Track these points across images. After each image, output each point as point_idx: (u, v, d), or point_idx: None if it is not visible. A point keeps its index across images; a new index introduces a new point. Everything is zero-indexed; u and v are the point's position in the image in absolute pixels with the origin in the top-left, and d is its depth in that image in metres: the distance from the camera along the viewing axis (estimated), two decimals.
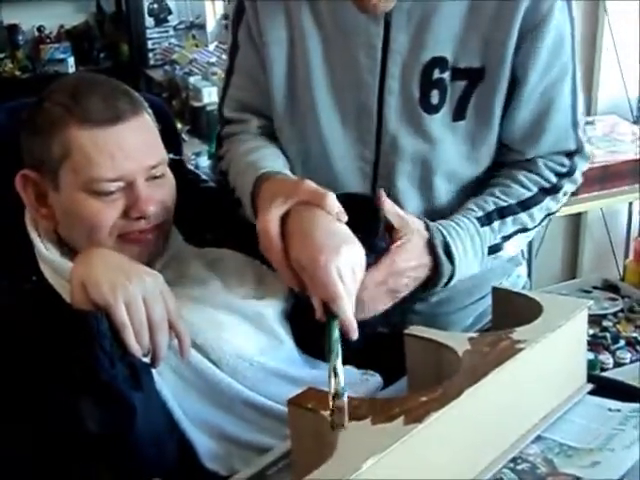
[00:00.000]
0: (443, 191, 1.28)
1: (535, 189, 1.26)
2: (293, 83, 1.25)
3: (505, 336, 1.00)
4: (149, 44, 4.28)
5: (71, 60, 4.20)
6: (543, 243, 2.77)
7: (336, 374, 0.87)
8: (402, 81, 1.20)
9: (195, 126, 3.55)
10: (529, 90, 1.20)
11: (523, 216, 1.26)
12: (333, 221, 1.03)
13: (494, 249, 1.25)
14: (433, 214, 1.26)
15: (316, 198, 1.04)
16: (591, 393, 1.10)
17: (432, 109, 1.21)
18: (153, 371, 0.99)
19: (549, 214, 1.30)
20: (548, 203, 1.28)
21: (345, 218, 1.04)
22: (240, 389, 1.06)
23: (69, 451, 0.92)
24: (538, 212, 1.27)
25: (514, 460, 0.95)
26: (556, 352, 1.04)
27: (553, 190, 1.28)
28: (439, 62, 1.19)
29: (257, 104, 1.29)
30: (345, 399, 0.85)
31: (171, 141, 1.20)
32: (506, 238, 1.26)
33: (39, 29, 4.19)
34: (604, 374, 2.42)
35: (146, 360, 0.97)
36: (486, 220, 1.23)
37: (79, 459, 0.92)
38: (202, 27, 4.35)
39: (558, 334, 1.03)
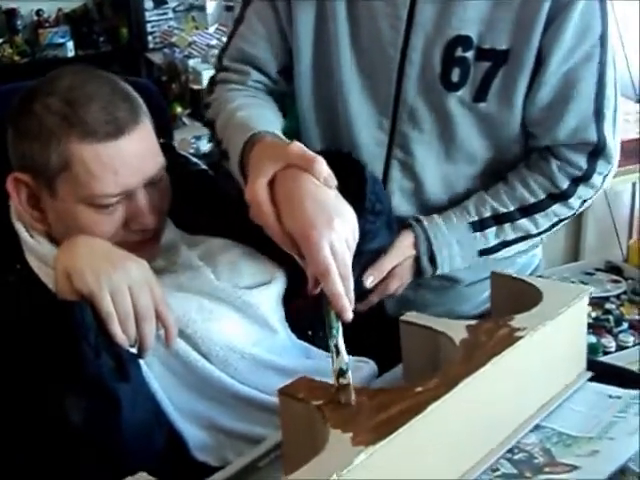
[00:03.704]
0: (463, 169, 1.28)
1: (542, 195, 1.25)
2: (319, 48, 1.25)
3: (503, 323, 0.98)
4: (148, 27, 4.24)
5: (70, 44, 4.17)
6: None
7: (338, 351, 0.88)
8: (424, 55, 1.19)
9: (195, 109, 3.53)
10: (551, 71, 1.18)
11: (524, 222, 1.25)
12: (322, 188, 0.97)
13: (490, 251, 1.26)
14: (454, 188, 1.28)
15: (304, 162, 0.97)
16: (592, 379, 1.08)
17: (452, 86, 1.20)
18: (141, 362, 0.97)
19: (561, 220, 1.28)
20: (557, 209, 1.26)
21: (334, 183, 0.98)
22: (230, 382, 1.04)
23: (55, 444, 0.90)
24: (543, 219, 1.26)
25: (511, 450, 0.93)
26: (556, 339, 1.02)
27: (563, 196, 1.25)
28: (463, 41, 1.17)
29: (259, 58, 1.28)
30: (350, 375, 0.86)
31: (162, 125, 1.18)
32: (506, 244, 1.27)
33: (38, 13, 4.16)
34: (606, 358, 2.40)
35: (133, 351, 0.95)
36: (479, 227, 1.25)
37: (65, 451, 0.91)
38: (202, 9, 4.31)
39: (558, 321, 1.01)
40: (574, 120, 1.21)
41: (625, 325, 2.62)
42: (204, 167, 1.31)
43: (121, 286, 0.92)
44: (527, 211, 1.25)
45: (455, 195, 1.29)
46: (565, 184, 1.24)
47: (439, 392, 0.84)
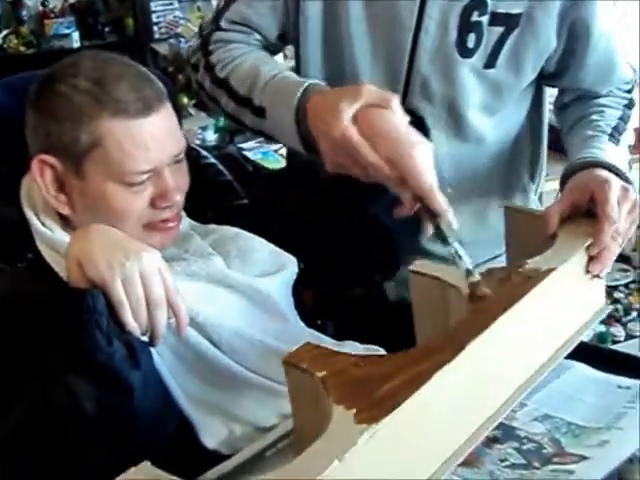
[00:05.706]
0: (471, 149, 1.31)
1: (621, 107, 1.34)
2: (329, 18, 1.25)
3: (515, 271, 0.97)
4: (154, 17, 4.20)
5: (76, 35, 4.15)
6: None
7: (460, 257, 0.97)
8: (440, 22, 1.21)
9: (201, 100, 3.51)
10: (596, 38, 1.25)
11: (626, 129, 1.31)
12: (404, 121, 1.04)
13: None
14: (462, 169, 1.30)
15: (383, 101, 1.04)
16: (602, 368, 1.08)
17: (467, 53, 1.22)
18: (152, 351, 0.97)
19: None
20: (631, 116, 1.36)
21: (408, 119, 1.05)
22: (240, 370, 1.05)
23: (64, 432, 0.90)
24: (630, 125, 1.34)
25: (520, 440, 0.93)
26: (571, 280, 1.01)
27: (632, 104, 1.36)
28: (479, 4, 1.20)
29: (261, 24, 1.29)
30: (477, 274, 0.94)
31: None
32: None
33: (43, 4, 4.14)
34: (615, 346, 2.40)
35: (145, 339, 0.95)
36: (615, 140, 1.28)
37: (75, 439, 0.90)
38: None
39: (572, 262, 1.00)
40: (622, 68, 1.34)
41: (634, 314, 2.63)
42: (213, 160, 1.31)
43: (133, 274, 0.91)
44: (623, 119, 1.32)
45: (462, 177, 1.29)
46: (628, 94, 1.36)
47: (444, 357, 0.81)
